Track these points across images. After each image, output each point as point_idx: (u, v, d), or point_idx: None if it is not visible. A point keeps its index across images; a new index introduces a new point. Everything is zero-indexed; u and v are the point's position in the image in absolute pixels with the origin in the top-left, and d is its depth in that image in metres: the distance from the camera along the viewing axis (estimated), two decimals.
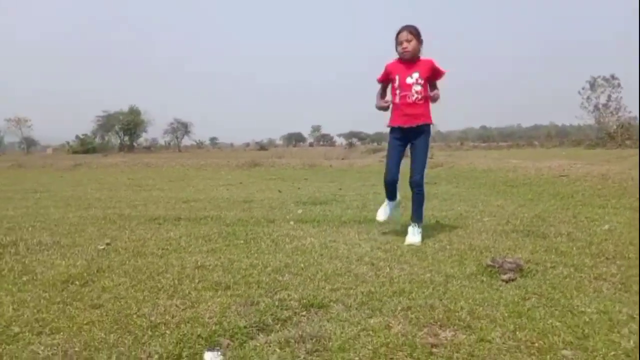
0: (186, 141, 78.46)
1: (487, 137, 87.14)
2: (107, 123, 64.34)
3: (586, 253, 3.40)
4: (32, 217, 5.54)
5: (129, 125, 64.35)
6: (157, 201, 7.12)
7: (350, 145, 70.52)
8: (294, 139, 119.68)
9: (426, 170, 4.01)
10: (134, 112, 65.40)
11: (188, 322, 2.19)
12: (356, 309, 2.35)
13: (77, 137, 62.89)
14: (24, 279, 2.94)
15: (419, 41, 3.93)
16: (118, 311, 2.36)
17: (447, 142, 67.91)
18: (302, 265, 3.16)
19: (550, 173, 9.40)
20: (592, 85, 41.77)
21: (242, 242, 3.98)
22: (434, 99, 3.97)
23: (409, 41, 3.88)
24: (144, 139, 73.77)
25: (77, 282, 2.85)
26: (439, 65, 3.97)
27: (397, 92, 3.95)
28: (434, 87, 4.02)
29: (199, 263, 3.24)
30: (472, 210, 5.61)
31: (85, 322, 2.23)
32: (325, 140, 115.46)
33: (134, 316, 2.30)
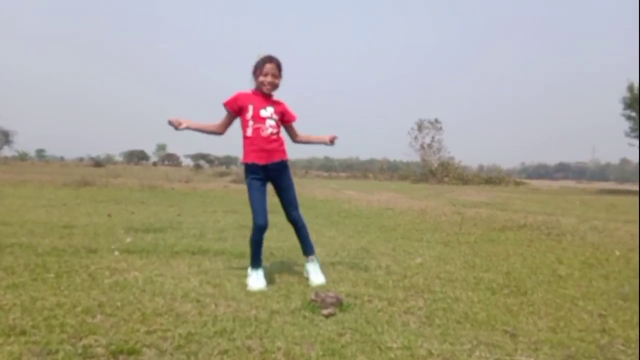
0: (6, 152, 69.21)
1: (329, 167, 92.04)
2: None
3: (399, 286, 3.70)
4: None
5: None
6: None
7: (197, 167, 68.69)
8: (136, 156, 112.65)
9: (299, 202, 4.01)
10: None
11: None
12: (170, 353, 2.22)
13: None
14: None
15: (280, 78, 3.73)
16: None
17: (293, 170, 69.92)
18: (118, 304, 2.91)
19: (379, 206, 10.21)
20: (420, 126, 46.73)
21: (52, 276, 3.55)
22: (332, 142, 4.16)
23: (275, 77, 3.66)
24: None
25: None
26: (291, 109, 3.87)
27: (250, 123, 3.64)
28: (291, 130, 3.94)
29: None
30: None
31: None
32: (170, 160, 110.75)
33: None
